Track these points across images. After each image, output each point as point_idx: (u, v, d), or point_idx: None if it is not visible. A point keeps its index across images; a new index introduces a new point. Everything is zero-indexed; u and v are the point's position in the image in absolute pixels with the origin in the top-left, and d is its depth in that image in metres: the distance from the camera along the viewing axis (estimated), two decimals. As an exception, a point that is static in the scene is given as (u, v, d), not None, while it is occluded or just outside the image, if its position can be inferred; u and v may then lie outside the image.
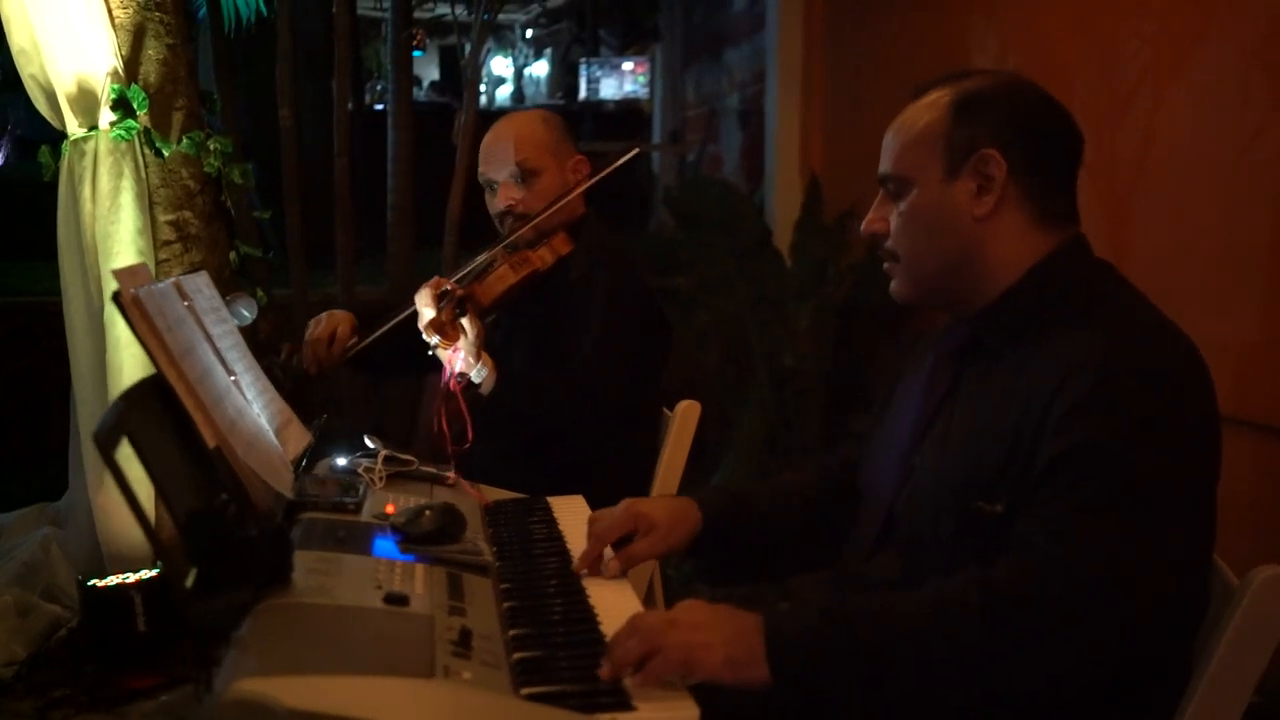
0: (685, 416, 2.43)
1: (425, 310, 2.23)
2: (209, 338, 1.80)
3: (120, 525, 3.34)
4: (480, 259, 2.44)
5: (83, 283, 3.33)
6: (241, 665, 1.13)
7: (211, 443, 1.54)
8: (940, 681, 1.29)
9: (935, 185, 1.51)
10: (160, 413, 1.50)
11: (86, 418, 3.36)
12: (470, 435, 2.10)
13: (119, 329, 3.30)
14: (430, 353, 2.26)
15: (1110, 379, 1.35)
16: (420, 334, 2.26)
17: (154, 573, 3.27)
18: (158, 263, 3.37)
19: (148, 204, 3.34)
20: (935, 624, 1.30)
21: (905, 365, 1.75)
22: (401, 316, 2.42)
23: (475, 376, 2.22)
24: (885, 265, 1.60)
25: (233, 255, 3.58)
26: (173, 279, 1.79)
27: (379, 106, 8.77)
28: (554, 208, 2.43)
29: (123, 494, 1.25)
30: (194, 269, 3.43)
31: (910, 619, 1.31)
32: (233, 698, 1.05)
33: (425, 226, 4.92)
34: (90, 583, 3.20)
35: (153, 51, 3.36)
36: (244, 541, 1.31)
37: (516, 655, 1.29)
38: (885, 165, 1.58)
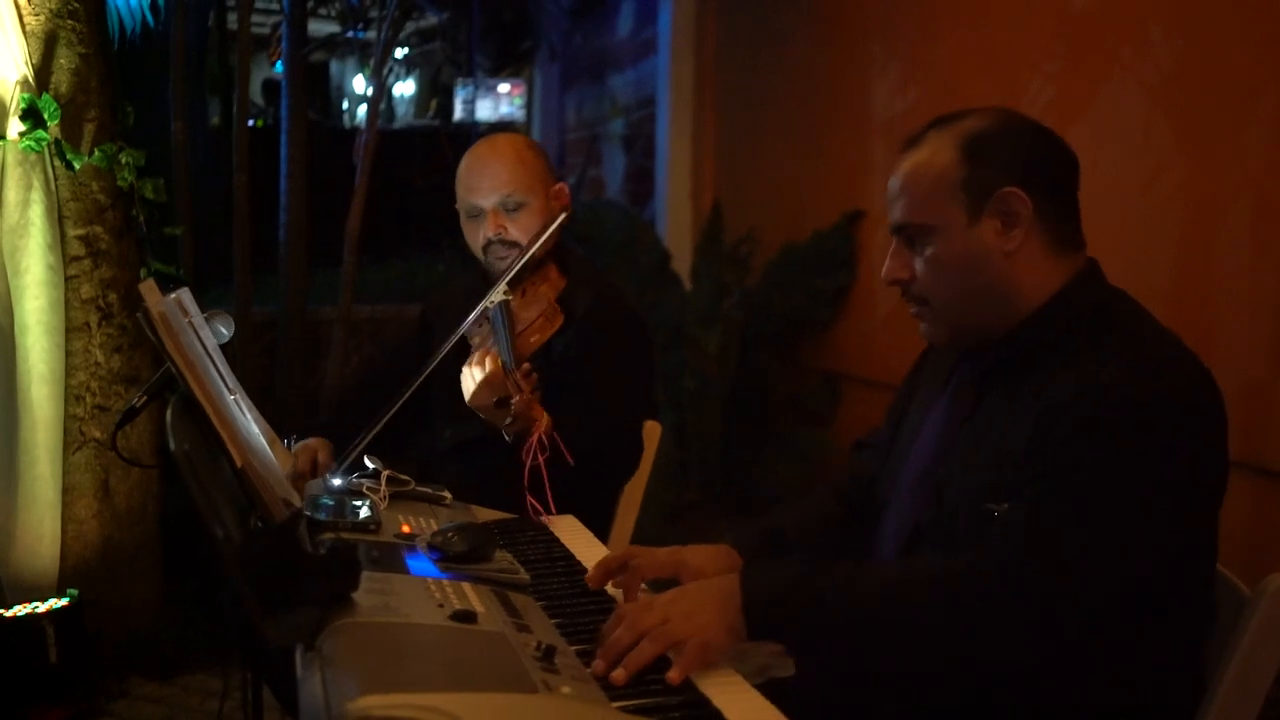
0: (646, 436, 2.46)
1: (499, 409, 2.08)
2: (209, 354, 1.76)
3: (22, 552, 3.20)
4: (491, 311, 2.22)
5: (-13, 298, 3.19)
6: (343, 684, 1.11)
7: (239, 461, 1.51)
8: (894, 651, 1.43)
9: (960, 230, 1.56)
10: (194, 431, 1.47)
11: (-8, 437, 3.21)
12: (553, 508, 2.03)
13: (30, 342, 3.18)
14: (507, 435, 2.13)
15: (1118, 401, 1.42)
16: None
17: (64, 601, 3.15)
18: (67, 278, 3.25)
19: (57, 217, 3.23)
20: (895, 601, 1.43)
21: (917, 384, 1.81)
22: (384, 420, 2.18)
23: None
24: (913, 311, 1.65)
25: (143, 272, 3.47)
26: (173, 295, 1.74)
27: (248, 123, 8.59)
28: (543, 240, 2.31)
29: (204, 508, 1.21)
30: (104, 285, 3.33)
31: (873, 592, 1.44)
32: (357, 716, 1.04)
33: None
34: (-3, 612, 3.07)
35: (64, 60, 3.25)
36: (317, 559, 1.29)
37: (592, 670, 1.30)
38: (901, 215, 1.61)
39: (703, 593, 1.46)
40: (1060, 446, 1.42)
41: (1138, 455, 1.41)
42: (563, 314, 2.27)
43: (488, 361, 2.13)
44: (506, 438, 2.13)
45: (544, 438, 2.02)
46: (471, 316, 2.23)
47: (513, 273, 2.24)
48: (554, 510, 2.03)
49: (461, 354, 2.23)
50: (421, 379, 2.20)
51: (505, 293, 2.20)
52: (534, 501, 2.02)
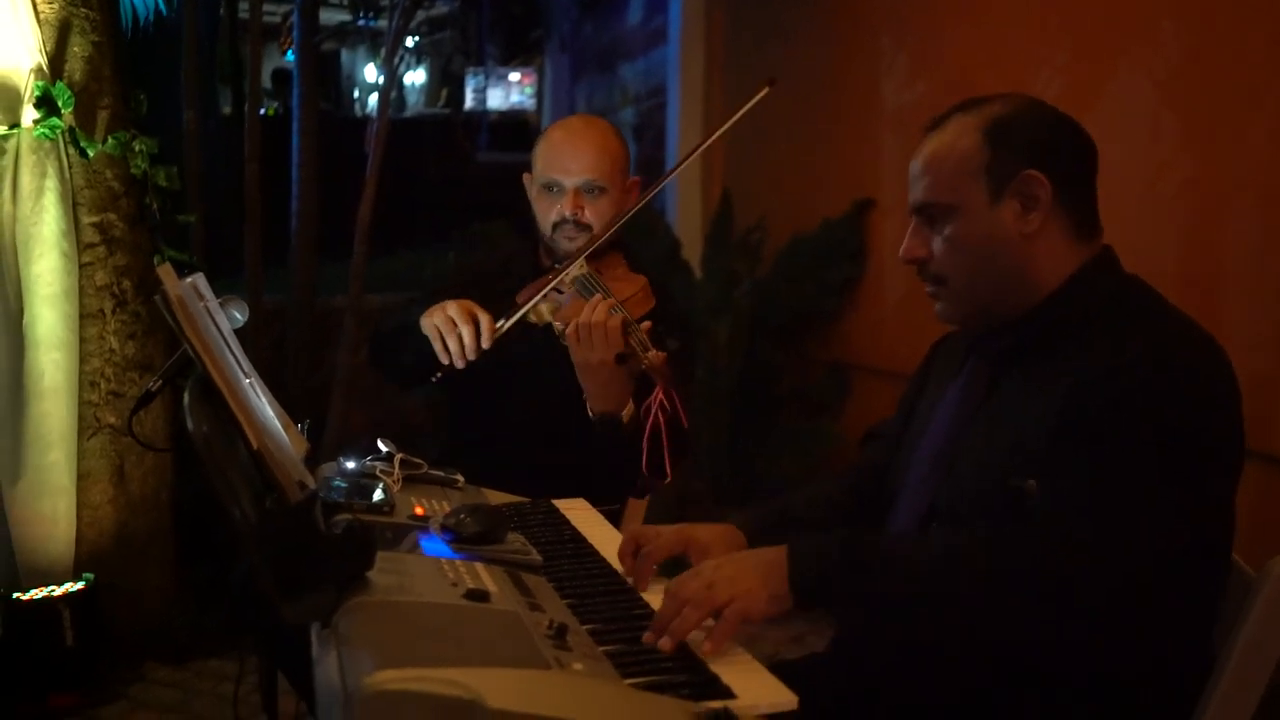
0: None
1: (618, 364, 2.09)
2: (224, 338, 1.78)
3: (39, 537, 3.23)
4: (578, 280, 2.24)
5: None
6: (359, 661, 1.14)
7: (255, 443, 1.53)
8: (934, 617, 1.46)
9: (981, 210, 1.59)
10: (211, 413, 1.49)
11: None
12: (669, 474, 2.04)
13: (39, 331, 3.20)
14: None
15: (1140, 384, 1.45)
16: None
17: (80, 585, 3.18)
18: (81, 265, 3.28)
19: (71, 205, 3.25)
20: (937, 574, 1.45)
21: (928, 375, 1.83)
22: (535, 302, 2.22)
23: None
24: (929, 290, 1.67)
25: (157, 259, 3.49)
26: (189, 279, 1.76)
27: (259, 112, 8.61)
28: (617, 226, 2.34)
29: (221, 489, 1.23)
30: (118, 272, 3.36)
31: (917, 565, 1.47)
32: (374, 690, 1.06)
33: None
34: (14, 595, 3.09)
35: (78, 48, 3.28)
36: (333, 539, 1.31)
37: (603, 648, 1.33)
38: (921, 195, 1.64)
39: (747, 559, 1.49)
40: (1085, 429, 1.45)
41: (1155, 441, 1.43)
42: (655, 298, 2.29)
43: (609, 314, 2.10)
44: (590, 413, 2.18)
45: (665, 398, 2.00)
46: (553, 282, 2.23)
47: (596, 245, 2.28)
48: (670, 476, 2.04)
49: (520, 336, 2.23)
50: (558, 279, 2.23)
51: (582, 267, 2.23)
52: (651, 464, 2.02)
